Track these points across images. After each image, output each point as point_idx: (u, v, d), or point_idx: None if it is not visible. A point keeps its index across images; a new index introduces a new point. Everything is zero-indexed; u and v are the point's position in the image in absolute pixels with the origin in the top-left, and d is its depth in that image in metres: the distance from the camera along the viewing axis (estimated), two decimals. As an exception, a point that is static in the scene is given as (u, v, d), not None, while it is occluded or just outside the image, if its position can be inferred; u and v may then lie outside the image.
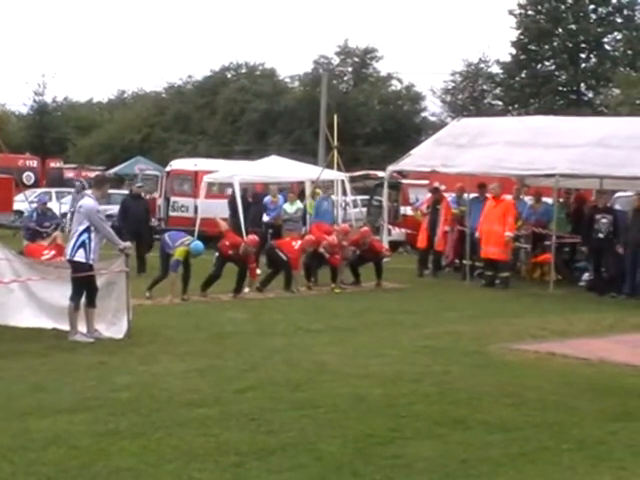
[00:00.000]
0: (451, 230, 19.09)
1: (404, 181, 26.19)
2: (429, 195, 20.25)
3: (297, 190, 23.74)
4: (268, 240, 18.53)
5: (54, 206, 26.39)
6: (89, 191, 12.05)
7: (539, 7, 49.02)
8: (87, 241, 10.48)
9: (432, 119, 53.95)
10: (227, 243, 14.94)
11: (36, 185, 36.38)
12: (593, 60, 49.51)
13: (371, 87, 54.08)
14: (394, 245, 22.71)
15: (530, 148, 17.96)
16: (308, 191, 22.42)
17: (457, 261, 19.46)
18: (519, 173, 18.27)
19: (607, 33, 48.97)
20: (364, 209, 26.06)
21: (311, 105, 47.80)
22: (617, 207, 17.98)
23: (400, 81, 55.49)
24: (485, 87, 52.58)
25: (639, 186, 16.97)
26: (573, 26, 48.55)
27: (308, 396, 7.83)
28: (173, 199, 25.94)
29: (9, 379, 8.32)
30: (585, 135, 17.71)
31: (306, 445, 6.39)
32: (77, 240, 10.50)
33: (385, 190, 21.01)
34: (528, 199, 19.29)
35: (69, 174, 40.50)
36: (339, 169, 22.28)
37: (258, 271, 15.54)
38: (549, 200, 18.38)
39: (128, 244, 11.27)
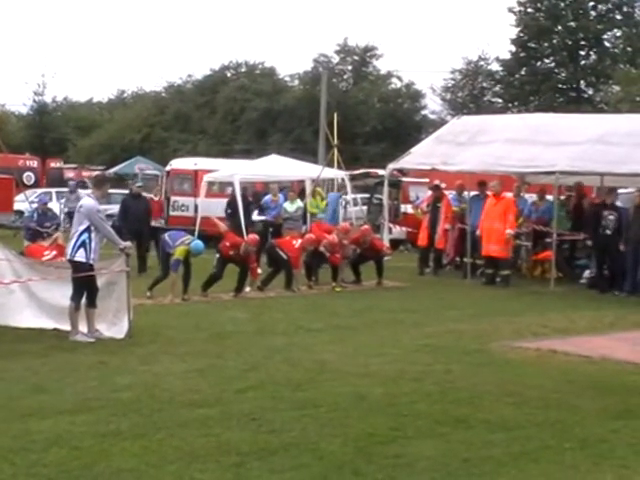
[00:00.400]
0: (452, 228, 19.08)
1: (404, 179, 26.19)
2: (429, 193, 20.24)
3: (297, 189, 23.73)
4: (269, 239, 18.52)
5: (54, 206, 26.35)
6: (89, 191, 12.05)
7: (538, 4, 48.99)
8: (87, 241, 10.47)
9: (432, 117, 54.02)
10: (227, 244, 14.92)
11: (36, 185, 36.37)
12: (593, 57, 49.50)
13: (371, 85, 54.08)
14: (395, 243, 22.72)
15: (530, 145, 17.95)
16: (308, 190, 22.41)
17: (458, 259, 19.46)
18: (519, 171, 18.27)
19: (607, 30, 48.94)
20: (364, 207, 26.06)
21: (311, 104, 47.81)
22: (618, 204, 17.95)
23: (400, 79, 55.58)
24: (485, 85, 52.56)
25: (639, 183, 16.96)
26: (573, 23, 48.51)
27: (309, 395, 7.82)
28: (173, 198, 25.95)
29: (10, 380, 8.31)
30: (585, 132, 17.70)
31: (307, 444, 6.38)
32: (77, 240, 10.49)
33: (385, 188, 21.00)
34: (529, 196, 19.29)
35: (69, 174, 40.46)
36: (339, 167, 22.30)
37: (259, 270, 15.54)
38: (550, 197, 18.37)
39: (128, 244, 11.26)
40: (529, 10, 49.41)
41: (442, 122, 38.29)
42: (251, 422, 6.92)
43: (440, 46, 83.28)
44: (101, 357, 9.37)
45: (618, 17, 48.92)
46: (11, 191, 28.36)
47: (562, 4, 48.71)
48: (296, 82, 57.85)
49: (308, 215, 21.02)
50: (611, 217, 16.56)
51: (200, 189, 23.09)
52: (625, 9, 48.75)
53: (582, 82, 49.75)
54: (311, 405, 7.46)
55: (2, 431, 6.60)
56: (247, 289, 15.07)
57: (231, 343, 10.43)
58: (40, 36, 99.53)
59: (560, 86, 49.40)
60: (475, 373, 8.89)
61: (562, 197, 18.74)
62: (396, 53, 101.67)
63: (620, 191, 18.84)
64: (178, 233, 14.81)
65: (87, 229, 10.49)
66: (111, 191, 21.30)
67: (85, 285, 10.56)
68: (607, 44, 49.55)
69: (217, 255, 14.93)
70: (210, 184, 23.33)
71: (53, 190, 32.64)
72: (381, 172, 24.28)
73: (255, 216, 21.06)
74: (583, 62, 49.42)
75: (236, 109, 54.46)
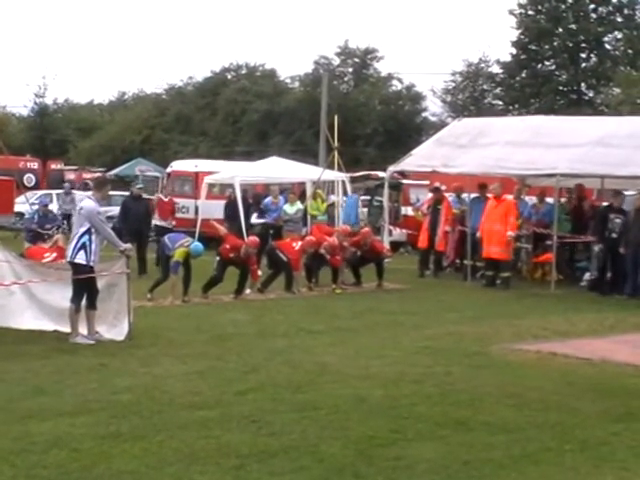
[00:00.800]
0: (452, 230, 19.08)
1: (405, 181, 26.19)
2: (430, 195, 20.23)
3: (298, 191, 23.73)
4: (269, 241, 18.52)
5: (55, 208, 26.39)
6: (89, 192, 12.04)
7: (539, 7, 49.01)
8: (88, 243, 10.47)
9: (433, 119, 54.00)
10: (227, 246, 14.92)
11: (37, 187, 36.36)
12: (593, 59, 49.49)
13: (372, 87, 54.08)
14: (395, 245, 22.72)
15: (531, 148, 17.95)
16: (309, 192, 22.41)
17: (458, 261, 19.45)
18: (520, 173, 18.26)
19: (607, 32, 48.94)
20: (365, 209, 26.05)
21: (312, 106, 47.81)
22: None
23: (400, 81, 55.58)
24: (485, 87, 52.56)
25: (640, 185, 16.97)
26: (573, 25, 48.53)
27: (309, 397, 7.81)
28: (174, 200, 25.90)
29: (10, 381, 8.31)
30: (586, 135, 17.69)
31: (307, 447, 6.37)
32: (78, 242, 10.49)
33: (386, 190, 21.00)
34: (529, 199, 19.28)
35: (70, 176, 40.49)
36: (340, 170, 22.28)
37: (259, 272, 15.54)
38: (550, 200, 18.37)
39: (129, 246, 11.26)
40: (530, 12, 49.43)
41: (443, 124, 38.30)
42: (251, 424, 6.91)
43: (441, 48, 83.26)
44: (101, 359, 9.37)
45: (619, 19, 48.92)
46: (12, 193, 28.36)
47: (563, 6, 48.73)
48: (297, 84, 57.88)
49: (308, 217, 21.02)
50: (617, 220, 16.55)
51: (201, 191, 23.10)
52: (626, 11, 48.75)
53: (583, 84, 49.76)
54: (311, 407, 7.45)
55: (2, 433, 6.60)
56: (247, 291, 15.07)
57: (231, 345, 10.42)
58: (41, 38, 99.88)
59: (561, 88, 49.40)
60: (475, 375, 8.88)
61: (563, 200, 18.73)
62: (397, 55, 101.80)
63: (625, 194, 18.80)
64: (178, 235, 14.83)
65: (87, 231, 10.49)
66: (112, 193, 21.32)
67: (85, 287, 10.56)
68: (608, 46, 49.55)
69: (217, 258, 14.92)
70: (211, 186, 23.35)
71: (54, 192, 32.64)
72: (381, 174, 24.27)
73: (254, 219, 21.06)
74: (584, 64, 49.41)
75: (237, 111, 54.48)
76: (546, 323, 12.52)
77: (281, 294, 15.51)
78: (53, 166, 42.33)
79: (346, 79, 56.80)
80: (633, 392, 8.37)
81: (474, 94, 52.15)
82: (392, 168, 20.79)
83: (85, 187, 32.21)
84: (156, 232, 19.56)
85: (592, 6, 48.77)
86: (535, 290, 16.78)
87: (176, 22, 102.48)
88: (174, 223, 21.02)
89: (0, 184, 28.07)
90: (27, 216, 22.77)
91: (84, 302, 10.56)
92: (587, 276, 17.67)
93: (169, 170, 28.41)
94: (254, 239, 15.35)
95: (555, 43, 48.90)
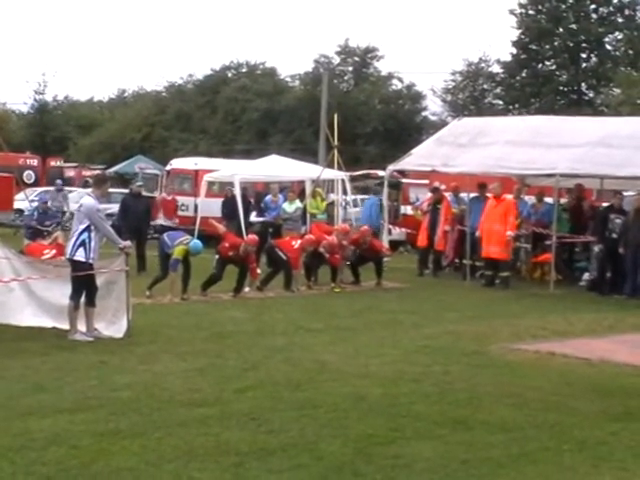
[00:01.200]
0: (451, 230, 19.10)
1: (404, 180, 26.19)
2: (429, 194, 20.24)
3: (297, 189, 23.74)
4: (268, 239, 18.52)
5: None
6: (89, 190, 12.04)
7: (540, 6, 48.99)
8: (87, 240, 10.47)
9: (433, 118, 53.99)
10: (227, 245, 14.92)
11: (36, 184, 36.36)
12: (594, 60, 49.49)
13: (372, 86, 54.07)
14: (394, 244, 22.72)
15: (531, 148, 17.96)
16: (308, 190, 22.42)
17: (457, 261, 19.47)
18: (520, 173, 18.27)
19: (608, 33, 48.94)
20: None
21: (312, 104, 47.82)
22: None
23: (401, 80, 55.57)
24: (486, 86, 52.55)
25: (640, 186, 16.98)
26: (574, 26, 48.53)
27: (308, 396, 7.82)
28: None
29: (10, 378, 8.31)
30: (586, 135, 17.71)
31: (306, 445, 6.38)
32: (77, 239, 10.49)
33: (385, 189, 21.00)
34: (529, 198, 19.29)
35: (70, 173, 40.49)
36: (339, 168, 22.28)
37: (258, 270, 15.54)
38: (549, 200, 18.38)
39: (128, 243, 11.26)
40: (530, 12, 49.42)
41: (443, 124, 38.29)
42: (250, 422, 6.92)
43: (441, 48, 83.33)
44: (100, 356, 9.37)
45: (619, 20, 48.91)
46: (11, 190, 28.35)
47: (563, 6, 48.72)
48: (297, 83, 57.87)
49: (308, 216, 21.03)
50: (618, 221, 16.56)
51: (200, 189, 23.10)
52: (626, 12, 48.75)
53: (583, 85, 49.76)
54: (310, 405, 7.46)
55: (2, 429, 6.60)
56: (246, 289, 15.08)
57: (231, 343, 10.43)
58: (41, 35, 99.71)
59: (561, 88, 49.40)
60: (474, 375, 8.89)
61: (564, 200, 18.73)
62: (397, 54, 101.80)
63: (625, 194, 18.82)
64: (177, 233, 14.85)
65: (87, 228, 10.49)
66: (111, 190, 21.35)
67: (84, 284, 10.56)
68: (608, 47, 49.55)
69: (216, 256, 14.93)
70: (210, 184, 23.34)
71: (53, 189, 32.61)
72: (381, 173, 24.30)
73: (253, 217, 21.07)
74: (584, 65, 49.41)
75: (237, 109, 54.47)
76: (545, 323, 12.53)
77: (280, 292, 15.52)
78: (53, 163, 42.33)
79: (346, 78, 56.79)
80: (631, 392, 8.38)
81: (474, 94, 52.14)
82: (392, 167, 20.80)
83: (85, 184, 32.17)
84: (162, 231, 19.55)
85: (593, 6, 48.77)
86: (534, 290, 16.80)
87: (177, 20, 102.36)
88: (177, 221, 21.04)
89: (0, 181, 28.07)
90: (27, 213, 22.79)
91: (83, 299, 10.56)
92: (586, 276, 17.68)
93: (169, 168, 28.41)
94: (253, 237, 15.35)
95: (555, 43, 48.90)
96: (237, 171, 21.94)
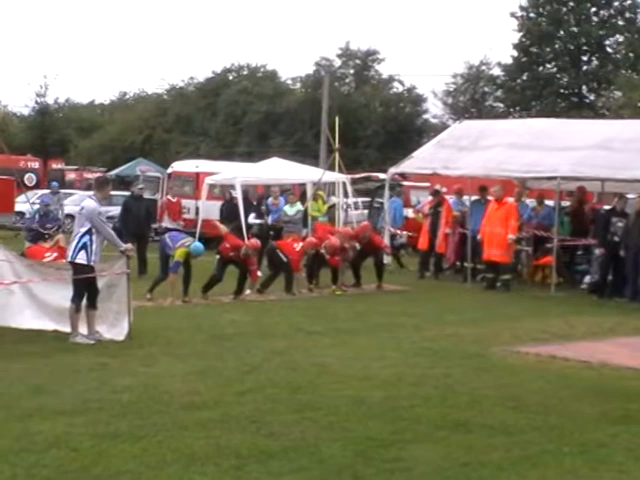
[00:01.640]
0: (452, 232, 19.08)
1: (405, 183, 26.17)
2: (430, 197, 20.24)
3: (298, 192, 23.74)
4: (268, 241, 18.51)
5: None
6: (90, 192, 12.05)
7: (541, 9, 49.08)
8: (88, 243, 10.48)
9: (433, 121, 54.09)
10: (228, 245, 14.93)
11: (37, 186, 36.39)
12: (595, 62, 49.56)
13: (373, 89, 54.14)
14: (395, 247, 22.67)
15: (532, 151, 17.95)
16: (309, 193, 22.42)
17: (458, 263, 19.46)
18: (521, 176, 18.27)
19: (609, 36, 49.02)
20: (365, 211, 26.04)
21: (312, 107, 47.85)
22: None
23: (402, 83, 55.67)
24: (486, 89, 52.63)
25: (641, 189, 16.96)
26: (575, 28, 48.60)
27: (309, 398, 7.82)
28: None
29: (10, 380, 8.31)
30: (587, 138, 17.69)
31: (307, 448, 6.37)
32: (78, 242, 10.50)
33: (386, 192, 21.00)
34: (529, 201, 19.29)
35: (71, 175, 40.51)
36: (340, 171, 22.28)
37: (259, 273, 15.54)
38: (550, 203, 18.37)
39: (129, 246, 11.25)
40: (531, 15, 49.51)
41: (443, 126, 38.37)
42: (250, 425, 6.92)
43: (442, 50, 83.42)
44: (101, 359, 9.38)
45: (620, 23, 48.99)
46: (12, 192, 28.38)
47: (564, 9, 48.80)
48: (298, 85, 57.92)
49: (309, 218, 21.02)
50: (619, 224, 16.55)
51: (201, 191, 23.10)
52: (627, 15, 48.83)
53: (584, 87, 49.80)
54: (311, 408, 7.45)
55: (2, 432, 6.60)
56: (247, 292, 15.08)
57: (231, 345, 10.43)
58: (42, 37, 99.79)
59: (562, 91, 49.45)
60: (475, 377, 8.89)
61: (566, 203, 18.71)
62: (398, 57, 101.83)
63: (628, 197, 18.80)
64: (178, 235, 14.84)
65: (88, 231, 10.49)
66: (112, 193, 21.34)
67: (85, 287, 10.57)
68: (609, 50, 49.64)
69: (217, 257, 14.94)
70: (211, 186, 23.33)
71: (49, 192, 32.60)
72: (382, 176, 24.27)
73: (251, 219, 21.07)
74: (585, 67, 49.49)
75: (238, 112, 54.50)
76: (546, 326, 12.52)
77: (281, 295, 15.51)
78: (54, 166, 42.36)
79: (347, 81, 56.87)
80: (632, 395, 8.36)
81: (475, 96, 52.21)
82: (393, 170, 20.80)
83: (88, 187, 32.19)
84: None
85: (593, 9, 48.85)
86: (535, 293, 16.79)
87: (178, 22, 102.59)
88: (183, 223, 21.03)
89: (1, 183, 28.10)
90: (28, 215, 22.79)
91: (84, 302, 10.57)
92: (587, 279, 17.66)
93: (170, 170, 28.41)
94: (255, 242, 15.34)
95: (556, 46, 48.98)
96: (238, 174, 21.94)
